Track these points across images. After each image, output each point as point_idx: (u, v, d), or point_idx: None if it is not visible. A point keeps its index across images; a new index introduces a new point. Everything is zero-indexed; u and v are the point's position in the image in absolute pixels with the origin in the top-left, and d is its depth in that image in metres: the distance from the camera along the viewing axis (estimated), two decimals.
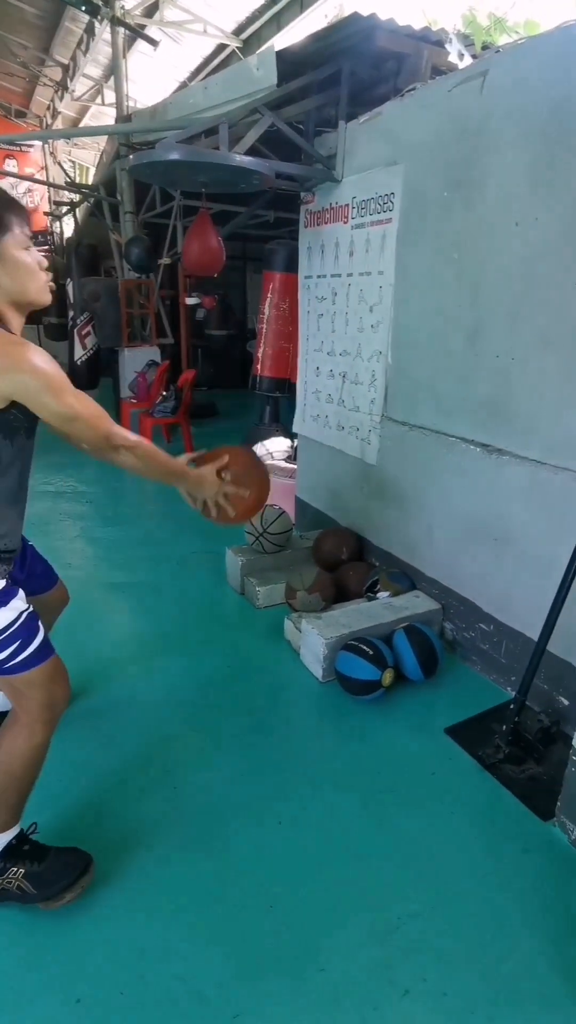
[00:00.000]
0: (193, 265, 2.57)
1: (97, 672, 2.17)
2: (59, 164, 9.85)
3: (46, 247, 11.35)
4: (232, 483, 1.55)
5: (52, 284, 1.23)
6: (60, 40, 7.74)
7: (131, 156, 2.24)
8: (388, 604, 2.39)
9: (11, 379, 1.07)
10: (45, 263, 1.18)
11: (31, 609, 1.25)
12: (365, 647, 2.07)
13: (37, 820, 1.38)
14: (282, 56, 2.58)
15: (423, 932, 1.29)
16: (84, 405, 1.17)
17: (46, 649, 1.26)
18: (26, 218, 1.14)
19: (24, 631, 1.22)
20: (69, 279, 6.45)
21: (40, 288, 1.18)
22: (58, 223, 10.79)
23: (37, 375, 1.08)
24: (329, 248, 2.88)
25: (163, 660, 2.31)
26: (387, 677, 2.03)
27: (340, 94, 2.59)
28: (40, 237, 11.34)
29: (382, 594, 2.50)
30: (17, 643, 1.21)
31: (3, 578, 1.22)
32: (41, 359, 1.09)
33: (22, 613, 1.22)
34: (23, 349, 1.08)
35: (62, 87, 8.72)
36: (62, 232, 10.86)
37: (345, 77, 2.56)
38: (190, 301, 5.92)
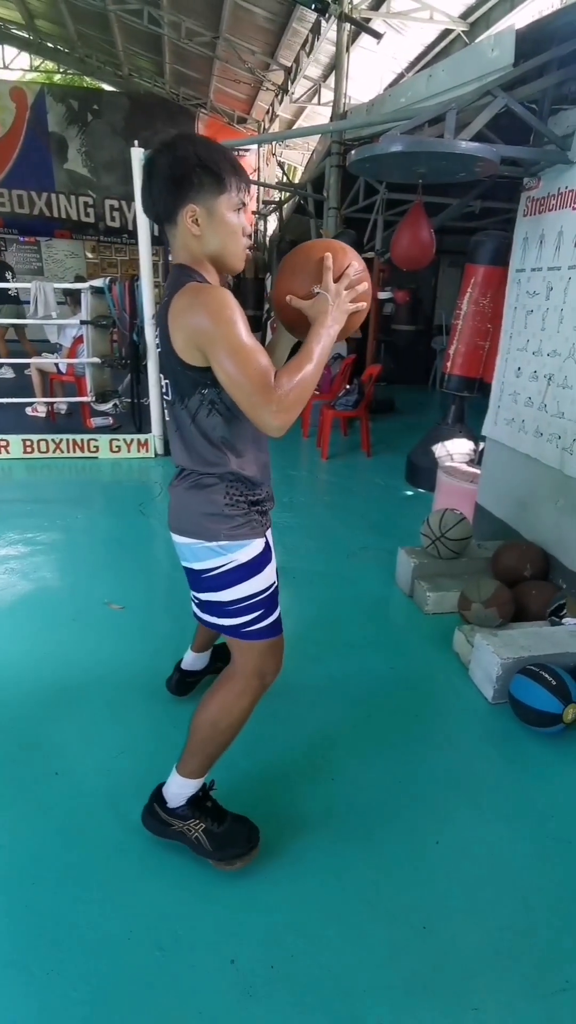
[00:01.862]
0: (402, 257, 2.53)
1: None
2: (280, 164, 10.37)
3: (249, 245, 12.10)
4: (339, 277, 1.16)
5: (249, 253, 1.20)
6: (285, 43, 8.10)
7: (352, 152, 2.25)
8: (575, 633, 2.16)
9: (192, 328, 1.06)
10: (249, 229, 1.20)
11: (277, 584, 1.33)
12: (547, 675, 1.89)
13: (215, 785, 1.46)
14: (521, 35, 2.41)
15: None
16: (256, 369, 1.05)
17: (278, 626, 1.34)
18: (246, 183, 1.16)
19: (268, 603, 1.30)
20: (269, 273, 6.79)
21: (237, 252, 1.19)
22: (263, 221, 11.43)
23: (215, 324, 1.04)
24: (550, 238, 2.64)
25: (328, 650, 2.34)
26: (570, 713, 1.84)
27: None
28: None
29: (569, 620, 2.27)
30: (260, 612, 1.28)
31: (261, 536, 1.27)
32: (226, 309, 1.05)
33: (272, 585, 1.30)
34: (209, 295, 1.06)
35: (283, 90, 9.15)
36: (265, 230, 11.48)
37: None
38: (383, 295, 5.88)
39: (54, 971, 1.18)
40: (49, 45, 11.22)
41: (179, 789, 1.38)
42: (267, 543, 1.31)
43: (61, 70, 11.95)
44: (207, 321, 1.05)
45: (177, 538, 1.30)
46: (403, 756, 1.79)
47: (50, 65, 11.99)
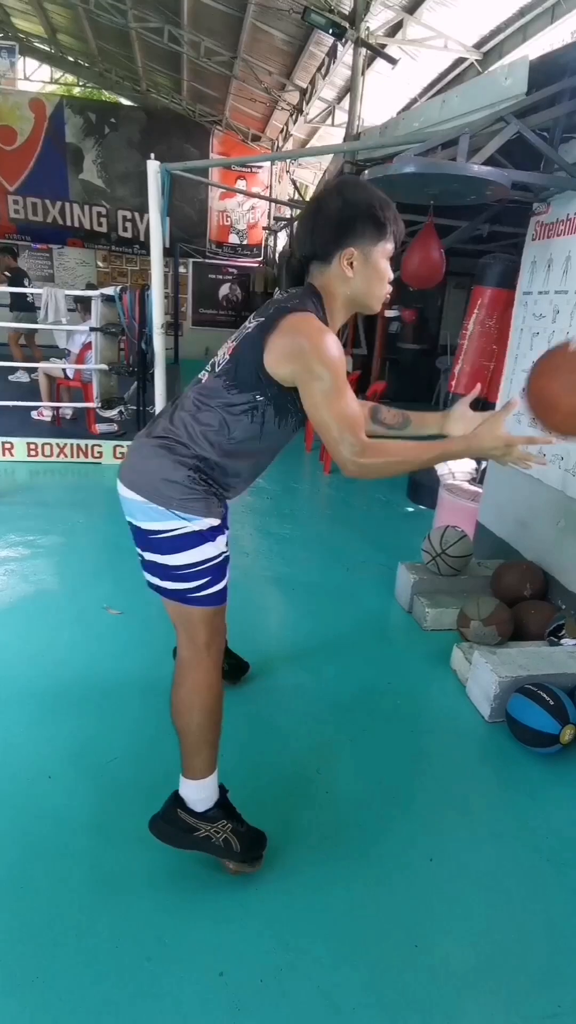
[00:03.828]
0: (412, 276, 2.57)
1: (260, 658, 2.25)
2: (293, 182, 10.53)
3: (259, 260, 12.27)
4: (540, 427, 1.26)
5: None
6: (302, 65, 8.27)
7: (366, 172, 2.29)
8: (574, 654, 2.16)
9: (297, 359, 1.13)
10: (392, 277, 1.25)
11: (228, 554, 1.32)
12: (545, 695, 1.88)
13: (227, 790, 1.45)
14: (534, 65, 2.47)
15: None
16: (345, 412, 1.14)
17: (224, 594, 1.33)
18: (402, 233, 1.23)
19: (217, 572, 1.28)
20: (277, 288, 6.87)
21: (380, 296, 1.26)
22: (273, 237, 11.58)
23: (321, 363, 1.12)
24: (558, 262, 2.68)
25: (323, 661, 2.33)
26: (567, 734, 1.83)
27: None
28: (254, 250, 12.30)
29: (567, 641, 2.26)
30: (207, 579, 1.27)
31: (218, 517, 1.28)
32: (333, 352, 1.13)
33: (221, 554, 1.29)
34: (324, 335, 1.14)
35: (297, 111, 9.32)
36: (275, 245, 11.63)
37: None
38: (390, 314, 5.94)
39: (39, 979, 1.16)
40: (70, 59, 11.44)
41: (200, 792, 1.35)
42: (221, 521, 1.29)
43: (81, 83, 12.17)
44: (313, 360, 1.12)
45: (126, 492, 1.27)
46: (398, 772, 1.78)
47: (70, 78, 12.21)
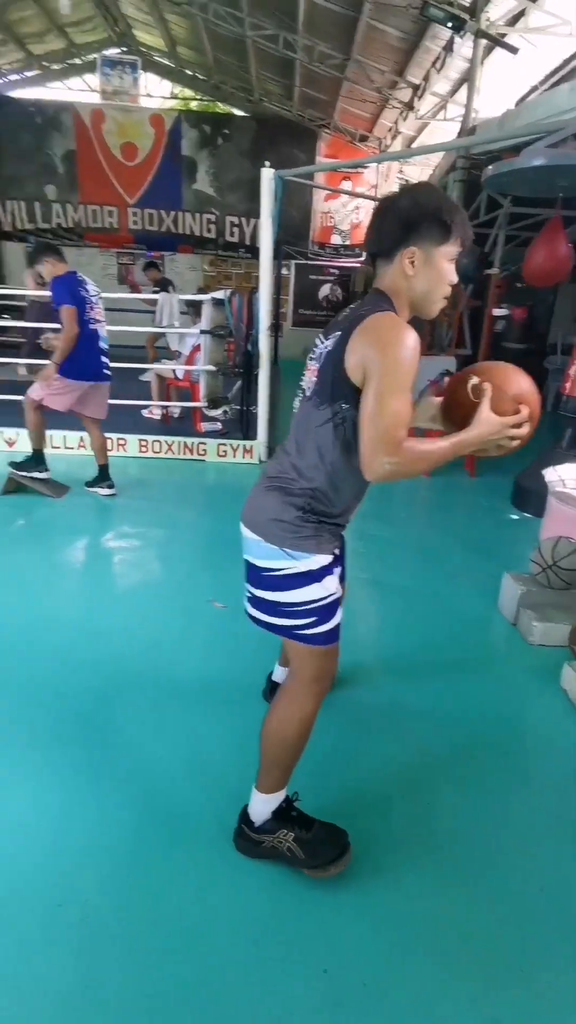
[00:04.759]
0: (536, 272, 2.46)
1: (353, 664, 2.23)
2: (401, 180, 10.40)
3: (361, 259, 12.22)
4: (502, 404, 1.22)
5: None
6: (415, 61, 8.13)
7: (489, 168, 2.21)
8: None
9: (368, 357, 1.13)
10: (455, 280, 1.25)
11: (338, 595, 1.34)
12: None
13: (298, 796, 1.47)
14: None
15: None
16: (396, 414, 1.11)
17: (334, 634, 1.34)
18: (467, 239, 1.22)
19: (324, 612, 1.31)
20: None
21: (438, 299, 1.25)
22: None
23: (386, 357, 1.11)
24: None
25: (420, 672, 2.29)
26: None
27: None
28: (356, 250, 12.26)
29: None
30: (313, 619, 1.30)
31: (329, 553, 1.31)
32: (406, 349, 1.11)
33: (330, 596, 1.31)
34: (402, 332, 1.13)
35: (408, 107, 9.17)
36: None
37: None
38: (498, 312, 5.70)
39: (151, 948, 1.24)
40: (188, 72, 11.98)
41: (262, 806, 1.41)
42: (334, 557, 1.32)
43: (197, 97, 12.71)
44: (381, 353, 1.12)
45: (245, 530, 1.34)
46: (503, 793, 1.71)
47: (188, 92, 12.78)
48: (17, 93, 11.69)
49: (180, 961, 1.21)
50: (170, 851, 1.45)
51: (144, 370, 5.75)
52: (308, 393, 1.27)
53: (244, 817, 1.44)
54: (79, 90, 12.03)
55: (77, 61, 11.72)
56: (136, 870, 1.39)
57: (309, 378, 1.28)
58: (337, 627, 1.35)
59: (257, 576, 1.34)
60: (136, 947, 1.23)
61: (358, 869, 1.40)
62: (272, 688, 1.98)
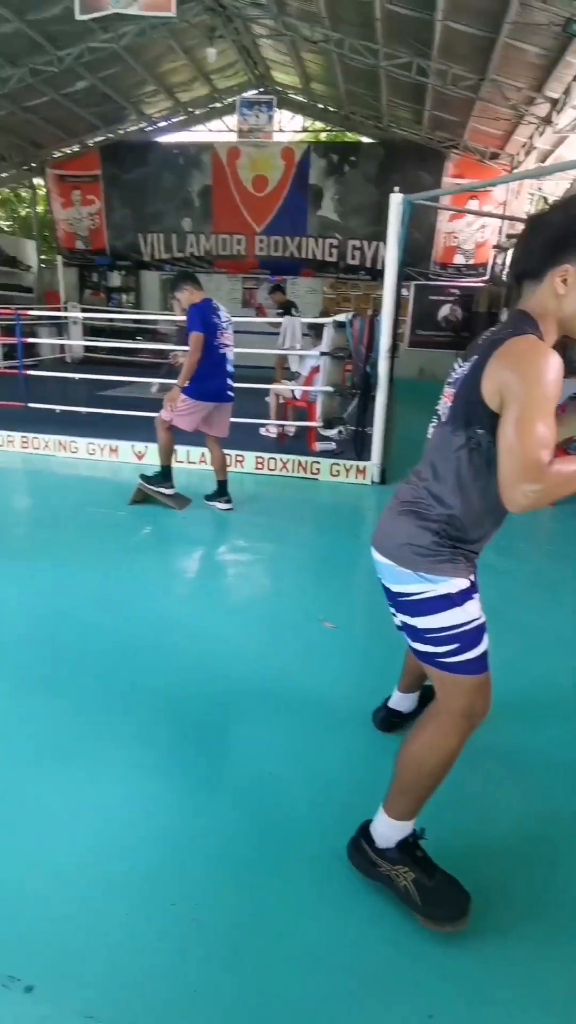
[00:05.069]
0: None
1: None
2: (539, 196, 10.02)
3: (485, 279, 11.87)
4: None
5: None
6: (555, 76, 7.82)
7: None
8: None
9: (506, 380, 1.09)
10: None
11: (482, 621, 1.29)
12: None
13: (425, 834, 1.41)
14: None
15: None
16: (538, 439, 1.04)
17: (481, 663, 1.29)
18: None
19: (468, 638, 1.26)
20: (504, 308, 6.56)
21: None
22: (503, 255, 11.10)
23: (525, 382, 1.06)
24: None
25: (545, 715, 2.12)
26: None
27: None
28: (479, 269, 11.93)
29: None
30: (455, 645, 1.26)
31: (467, 578, 1.27)
32: (548, 373, 1.06)
33: (473, 620, 1.27)
34: (543, 355, 1.08)
35: (546, 122, 8.83)
36: (504, 264, 11.13)
37: None
38: None
39: (256, 962, 1.25)
40: (319, 106, 12.43)
41: (388, 830, 1.36)
42: (471, 582, 1.28)
43: (327, 128, 13.13)
44: (521, 378, 1.08)
45: (377, 555, 1.33)
46: None
47: (318, 125, 13.25)
48: (164, 137, 12.77)
49: (283, 982, 1.21)
50: (279, 865, 1.46)
51: (268, 392, 5.96)
52: (444, 418, 1.26)
53: (365, 832, 1.40)
54: (218, 131, 12.88)
55: (218, 105, 12.58)
56: (245, 881, 1.42)
57: (445, 403, 1.27)
58: (483, 656, 1.30)
59: (396, 601, 1.33)
60: (242, 959, 1.25)
61: (472, 916, 1.32)
62: (387, 715, 1.95)
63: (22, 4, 7.73)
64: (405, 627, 1.34)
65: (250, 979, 1.21)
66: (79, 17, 5.84)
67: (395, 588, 1.31)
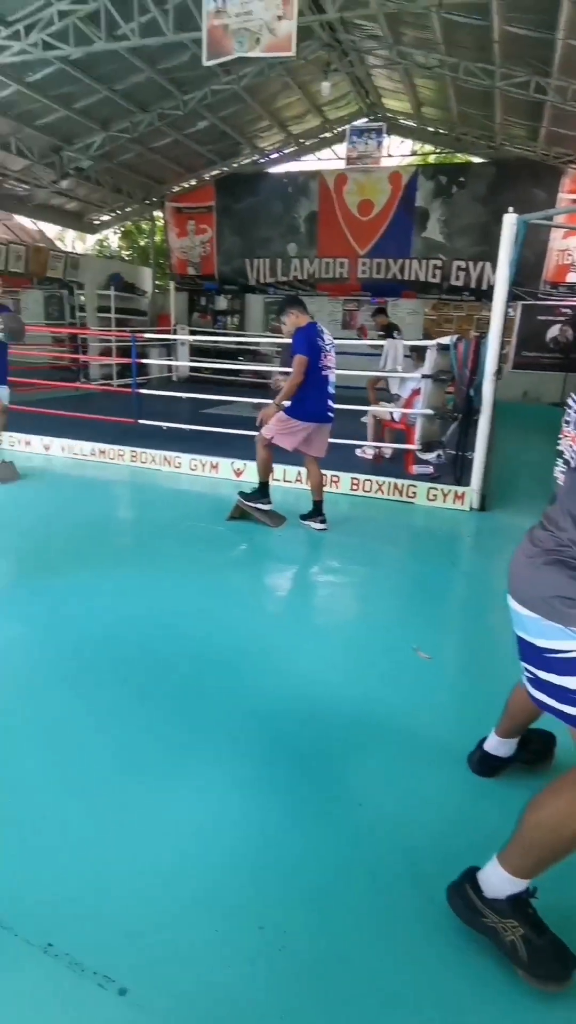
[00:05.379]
0: None
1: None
2: None
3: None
4: None
5: None
6: None
7: None
8: None
9: None
10: None
11: None
12: None
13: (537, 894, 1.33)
14: None
15: None
16: None
17: None
18: None
19: None
20: None
21: None
22: None
23: None
24: None
25: None
26: None
27: None
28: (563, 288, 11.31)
29: None
30: None
31: None
32: None
33: None
34: None
35: None
36: None
37: None
38: None
39: (346, 1001, 1.21)
40: (430, 130, 12.42)
41: (501, 883, 1.28)
42: None
43: (437, 151, 13.07)
44: None
45: (517, 607, 1.25)
46: None
47: (427, 147, 13.23)
48: (274, 168, 13.30)
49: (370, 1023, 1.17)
50: (368, 900, 1.42)
51: (365, 412, 5.97)
52: (573, 464, 1.19)
53: (472, 879, 1.33)
54: (327, 159, 13.22)
55: (328, 135, 12.93)
56: (336, 913, 1.39)
57: (571, 445, 1.20)
58: None
59: (538, 657, 1.25)
60: (328, 994, 1.22)
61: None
62: (483, 758, 1.84)
63: (155, 54, 8.40)
64: (542, 684, 1.24)
65: (338, 1016, 1.18)
66: (206, 63, 6.22)
67: (540, 643, 1.22)
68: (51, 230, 15.17)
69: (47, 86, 8.59)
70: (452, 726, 2.09)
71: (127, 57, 8.15)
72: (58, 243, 15.38)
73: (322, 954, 1.29)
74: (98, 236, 16.17)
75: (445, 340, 5.09)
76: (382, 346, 6.63)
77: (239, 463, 5.36)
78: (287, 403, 3.88)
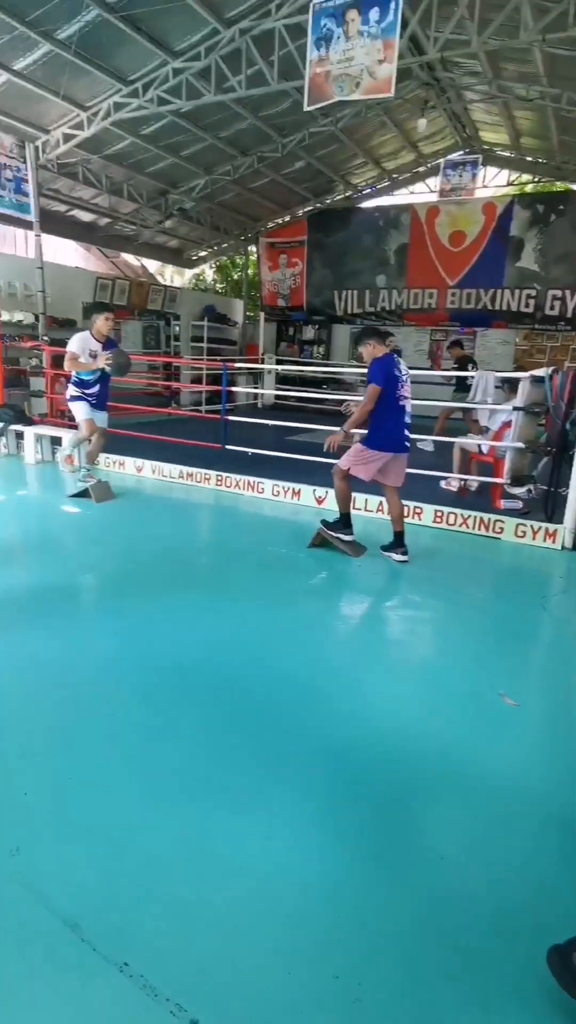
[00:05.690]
0: None
1: None
2: None
3: None
4: None
5: None
6: None
7: None
8: None
9: None
10: None
11: None
12: None
13: None
14: None
15: None
16: None
17: None
18: None
19: None
20: None
21: None
22: None
23: None
24: None
25: None
26: None
27: None
28: None
29: None
30: None
31: None
32: None
33: None
34: None
35: None
36: None
37: None
38: None
39: None
40: (528, 159, 12.22)
41: None
42: None
43: (535, 180, 12.83)
44: None
45: None
46: None
47: (525, 177, 13.02)
48: (365, 203, 13.56)
49: None
50: (451, 960, 1.34)
51: (451, 444, 5.84)
52: None
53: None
54: (420, 193, 13.32)
55: (422, 169, 13.04)
56: (416, 970, 1.32)
57: None
58: None
59: None
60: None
61: None
62: None
63: (258, 102, 8.88)
64: None
65: None
66: (307, 109, 6.48)
67: None
68: (152, 265, 16.20)
69: (158, 137, 9.28)
70: (541, 781, 1.96)
71: (232, 107, 8.66)
72: (159, 277, 16.39)
73: (399, 1012, 1.23)
74: (195, 271, 17.10)
75: (540, 372, 4.91)
76: (454, 377, 6.52)
77: (321, 490, 5.38)
78: (356, 431, 3.91)
